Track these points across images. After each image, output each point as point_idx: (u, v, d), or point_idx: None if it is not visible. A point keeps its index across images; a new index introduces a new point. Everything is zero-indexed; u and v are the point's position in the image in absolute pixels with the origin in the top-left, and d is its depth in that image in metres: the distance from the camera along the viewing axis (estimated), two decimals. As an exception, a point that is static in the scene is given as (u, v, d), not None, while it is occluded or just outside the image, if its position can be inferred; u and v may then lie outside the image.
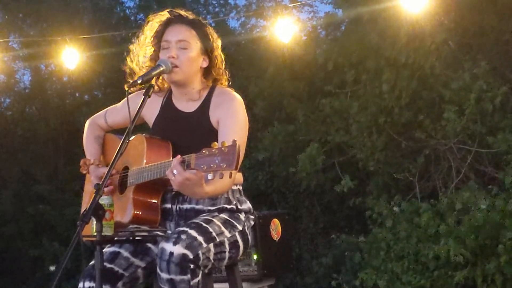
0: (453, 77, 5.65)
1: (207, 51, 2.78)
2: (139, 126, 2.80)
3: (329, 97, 6.36)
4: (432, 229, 4.93)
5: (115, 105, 3.06)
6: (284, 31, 5.75)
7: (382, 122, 5.83)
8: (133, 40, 2.90)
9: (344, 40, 6.52)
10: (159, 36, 2.79)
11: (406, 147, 6.04)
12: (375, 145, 5.90)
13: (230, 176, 2.28)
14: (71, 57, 6.05)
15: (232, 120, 2.69)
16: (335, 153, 6.52)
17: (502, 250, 4.50)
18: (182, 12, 2.82)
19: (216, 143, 2.24)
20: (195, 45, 2.75)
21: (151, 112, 2.87)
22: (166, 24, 2.80)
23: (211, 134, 2.68)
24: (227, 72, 2.88)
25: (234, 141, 2.20)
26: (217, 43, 2.82)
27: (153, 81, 2.69)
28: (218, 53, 2.82)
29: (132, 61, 2.87)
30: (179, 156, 2.38)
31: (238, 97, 2.78)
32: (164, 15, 2.83)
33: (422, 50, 5.65)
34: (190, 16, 2.83)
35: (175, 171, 2.35)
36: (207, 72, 2.82)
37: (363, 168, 6.25)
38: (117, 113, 3.02)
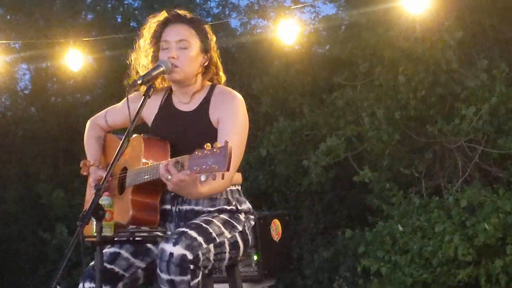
0: (467, 75, 5.64)
1: (207, 49, 2.77)
2: (140, 126, 2.80)
3: (338, 90, 6.32)
4: (439, 225, 4.92)
5: (115, 105, 3.06)
6: (287, 32, 5.72)
7: (398, 116, 5.79)
8: (134, 42, 2.90)
9: (357, 33, 6.46)
10: (157, 37, 2.78)
11: (415, 143, 6.02)
12: (391, 138, 5.85)
13: (223, 178, 2.27)
14: (75, 59, 6.04)
15: (232, 119, 2.69)
16: (346, 147, 6.45)
17: (511, 250, 4.49)
18: (180, 12, 2.82)
19: (209, 144, 2.24)
20: (195, 44, 2.74)
21: (150, 111, 2.86)
22: (164, 24, 2.79)
23: (211, 133, 2.68)
24: (222, 69, 2.88)
25: (226, 142, 2.20)
26: (214, 40, 2.82)
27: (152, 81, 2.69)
28: (215, 50, 2.82)
29: (135, 64, 2.86)
30: (166, 161, 2.39)
31: (238, 96, 2.77)
32: (162, 15, 2.82)
33: (435, 47, 5.63)
34: (188, 15, 2.82)
35: (168, 176, 2.35)
36: (206, 70, 2.81)
37: (369, 164, 6.23)
38: (117, 113, 3.02)
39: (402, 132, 5.96)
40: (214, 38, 2.82)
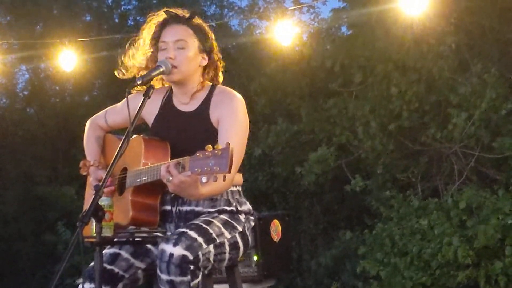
0: (460, 81, 5.65)
1: (206, 49, 2.76)
2: (139, 126, 2.79)
3: (333, 96, 6.34)
4: (437, 227, 4.92)
5: (115, 105, 3.05)
6: (284, 34, 5.70)
7: (392, 127, 5.81)
8: (131, 42, 2.89)
9: (350, 42, 6.49)
10: (156, 37, 2.78)
11: (410, 150, 6.04)
12: (385, 148, 5.88)
13: (224, 179, 2.26)
14: (68, 59, 6.02)
15: (232, 119, 2.68)
16: (341, 153, 6.48)
17: (510, 252, 4.49)
18: (179, 12, 2.80)
19: (210, 145, 2.23)
20: (193, 44, 2.73)
21: (150, 111, 2.86)
22: (163, 25, 2.78)
23: (211, 133, 2.67)
24: (222, 67, 2.87)
25: (228, 144, 2.19)
26: (214, 39, 2.81)
27: (152, 82, 2.69)
28: (216, 50, 2.81)
29: (129, 59, 2.85)
30: (168, 162, 2.39)
31: (238, 96, 2.76)
32: (162, 15, 2.81)
33: (430, 53, 5.64)
34: (187, 14, 2.80)
35: (170, 178, 2.35)
36: (206, 70, 2.80)
37: (365, 168, 6.24)
38: (117, 113, 3.01)
39: (396, 140, 5.98)
40: (213, 37, 2.81)
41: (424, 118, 5.88)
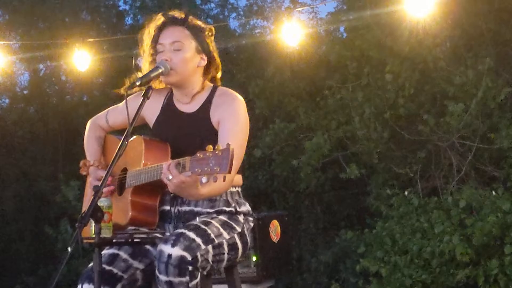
0: (456, 72, 5.67)
1: (204, 49, 2.77)
2: (139, 126, 2.80)
3: (331, 91, 6.37)
4: (437, 226, 4.92)
5: (116, 105, 3.05)
6: (290, 34, 5.66)
7: (387, 115, 5.82)
8: (136, 46, 2.91)
9: (348, 38, 6.51)
10: (155, 41, 2.79)
11: (408, 142, 6.05)
12: (380, 136, 5.88)
13: (224, 180, 2.27)
14: (82, 59, 6.06)
15: (233, 121, 2.69)
16: (338, 148, 6.49)
17: (510, 250, 4.50)
18: (176, 14, 2.81)
19: (211, 146, 2.24)
20: (189, 45, 2.73)
21: (152, 112, 2.87)
22: (160, 28, 2.79)
23: (212, 134, 2.68)
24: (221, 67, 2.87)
25: (228, 145, 2.20)
26: (213, 40, 2.81)
27: (153, 83, 2.70)
28: (215, 50, 2.81)
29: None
30: (169, 161, 2.40)
31: (239, 98, 2.77)
32: (160, 19, 2.82)
33: (425, 45, 5.67)
34: (184, 16, 2.80)
35: (170, 176, 2.35)
36: (206, 71, 2.81)
37: (364, 164, 6.24)
38: (118, 113, 3.01)
39: (393, 131, 5.99)
40: (212, 32, 2.81)
41: (420, 110, 5.90)
